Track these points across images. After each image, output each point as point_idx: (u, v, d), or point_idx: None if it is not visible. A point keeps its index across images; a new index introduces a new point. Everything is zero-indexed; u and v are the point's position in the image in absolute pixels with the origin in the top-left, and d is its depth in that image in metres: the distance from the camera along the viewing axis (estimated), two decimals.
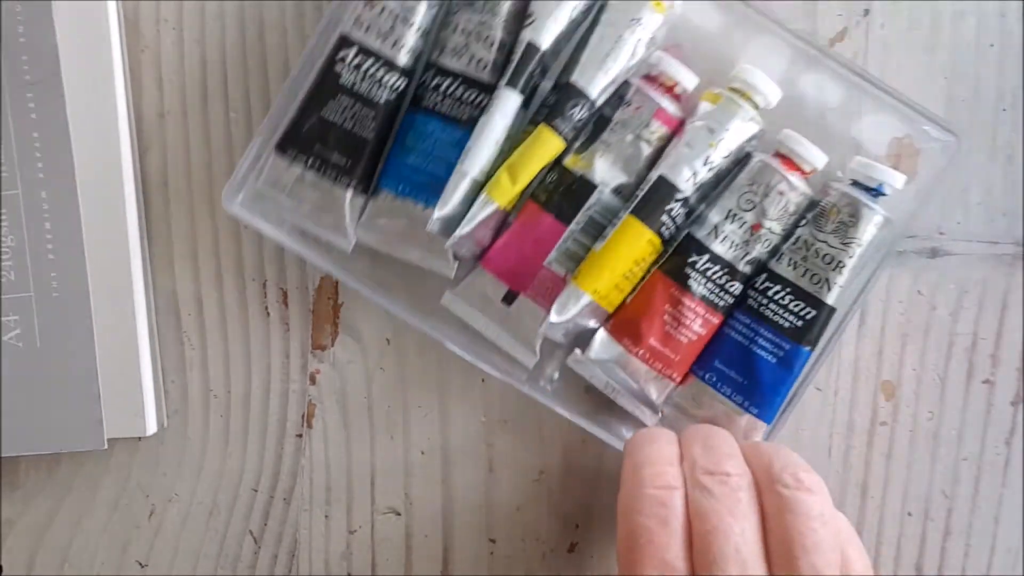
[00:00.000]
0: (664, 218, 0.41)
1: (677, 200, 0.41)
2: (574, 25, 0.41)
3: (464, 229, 0.41)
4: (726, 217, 0.42)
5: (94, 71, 0.44)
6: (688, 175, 0.41)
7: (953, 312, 0.46)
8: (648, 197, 0.41)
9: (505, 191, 0.41)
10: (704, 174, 0.41)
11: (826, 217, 0.42)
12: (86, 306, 0.44)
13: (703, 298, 0.42)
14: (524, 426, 0.47)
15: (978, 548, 0.47)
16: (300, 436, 0.47)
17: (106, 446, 0.45)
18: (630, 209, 0.42)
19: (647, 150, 0.42)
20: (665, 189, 0.41)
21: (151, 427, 0.46)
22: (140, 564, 0.48)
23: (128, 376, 0.45)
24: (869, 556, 0.47)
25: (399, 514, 0.47)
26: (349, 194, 0.42)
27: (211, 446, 0.47)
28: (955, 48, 0.46)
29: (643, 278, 0.43)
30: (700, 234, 0.42)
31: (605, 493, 0.47)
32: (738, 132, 0.41)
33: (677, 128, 0.43)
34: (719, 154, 0.41)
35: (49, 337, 0.44)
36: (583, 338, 0.44)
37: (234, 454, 0.47)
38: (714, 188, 0.42)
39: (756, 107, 0.42)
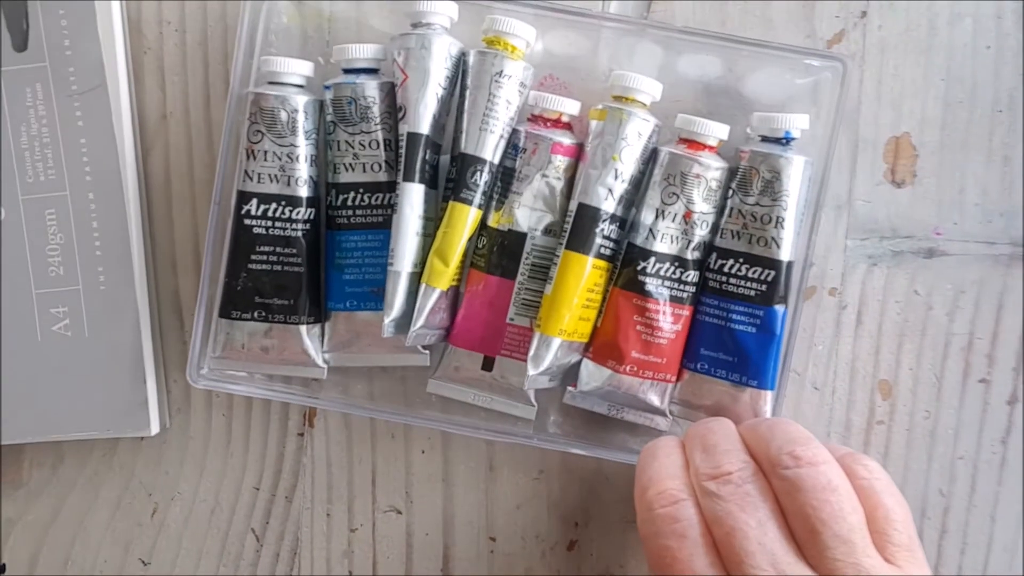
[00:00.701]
0: (598, 240, 0.42)
1: (604, 220, 0.42)
2: (445, 102, 0.43)
3: (417, 324, 0.42)
4: (656, 216, 0.43)
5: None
6: (604, 194, 0.42)
7: (950, 312, 0.47)
8: (576, 228, 0.42)
9: (441, 275, 0.42)
10: (620, 187, 0.42)
11: (749, 181, 0.42)
12: (132, 298, 0.45)
13: (665, 297, 0.43)
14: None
15: (974, 547, 0.47)
16: (302, 435, 0.47)
17: (151, 432, 0.46)
18: (564, 244, 0.42)
19: (559, 184, 0.43)
20: (588, 215, 0.42)
21: (154, 427, 0.46)
22: (143, 562, 0.48)
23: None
24: None
25: (400, 513, 0.47)
26: (304, 329, 0.44)
27: (213, 445, 0.47)
28: (952, 50, 0.46)
29: (604, 298, 0.44)
30: (639, 240, 0.43)
31: (605, 492, 0.47)
32: (635, 136, 0.42)
33: (578, 153, 0.43)
34: (626, 164, 0.42)
35: (97, 327, 0.45)
36: (571, 373, 0.45)
37: (236, 453, 0.47)
38: (636, 192, 0.43)
39: (644, 106, 0.43)
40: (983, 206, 0.46)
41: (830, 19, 0.46)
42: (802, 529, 0.36)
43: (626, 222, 0.43)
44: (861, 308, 0.47)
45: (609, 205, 0.42)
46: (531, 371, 0.42)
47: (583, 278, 0.42)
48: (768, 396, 0.43)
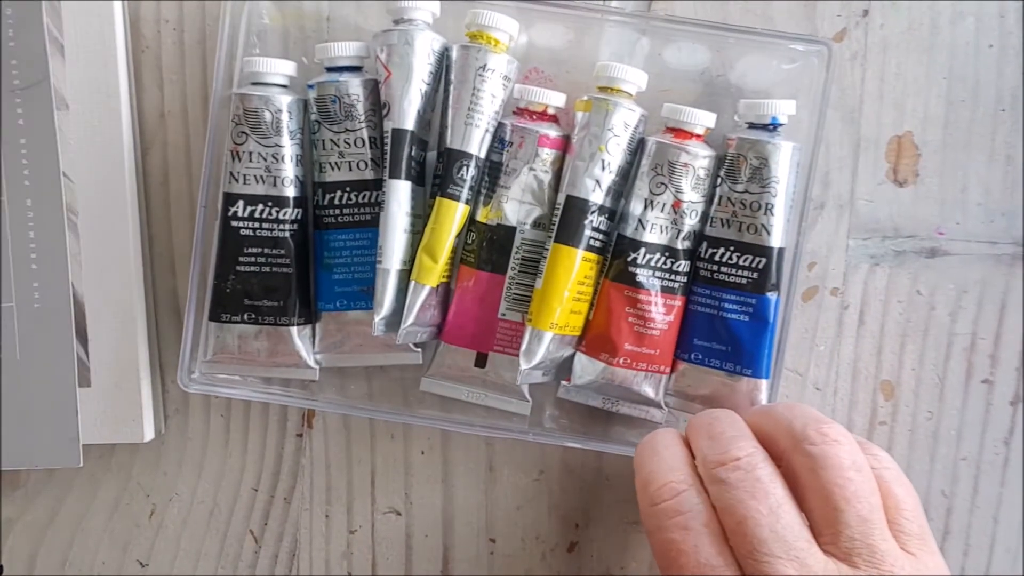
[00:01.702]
0: (587, 233, 0.42)
1: (592, 212, 0.42)
2: (429, 97, 0.42)
3: (407, 321, 0.42)
4: (645, 207, 0.42)
5: (99, 71, 0.44)
6: (592, 185, 0.42)
7: (952, 312, 0.46)
8: (564, 220, 0.42)
9: (430, 271, 0.42)
10: (608, 178, 0.42)
11: (737, 169, 0.42)
12: (67, 319, 0.44)
13: (657, 288, 0.43)
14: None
15: (977, 548, 0.47)
16: (300, 436, 0.47)
17: (81, 463, 0.44)
18: (553, 238, 0.42)
19: (547, 177, 0.43)
20: (577, 207, 0.42)
21: (148, 434, 0.46)
22: (141, 563, 0.48)
23: (126, 382, 0.45)
24: None
25: (399, 514, 0.47)
26: (295, 330, 0.44)
27: (212, 446, 0.47)
28: (954, 49, 0.46)
29: (596, 290, 0.44)
30: (628, 231, 0.43)
31: (605, 493, 0.47)
32: (621, 127, 0.42)
33: (565, 145, 0.43)
34: (613, 154, 0.42)
35: (29, 349, 0.44)
36: (565, 367, 0.44)
37: (234, 453, 0.47)
38: (624, 183, 0.43)
39: (630, 96, 0.42)
40: (985, 206, 0.46)
41: (832, 18, 0.46)
42: (823, 507, 0.35)
43: (615, 213, 0.43)
44: (863, 308, 0.46)
45: (597, 197, 0.42)
46: (523, 366, 0.42)
47: (573, 271, 0.42)
48: (763, 385, 0.43)
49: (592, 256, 0.43)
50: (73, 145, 0.44)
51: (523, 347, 0.42)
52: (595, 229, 0.42)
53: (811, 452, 0.36)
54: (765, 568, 0.34)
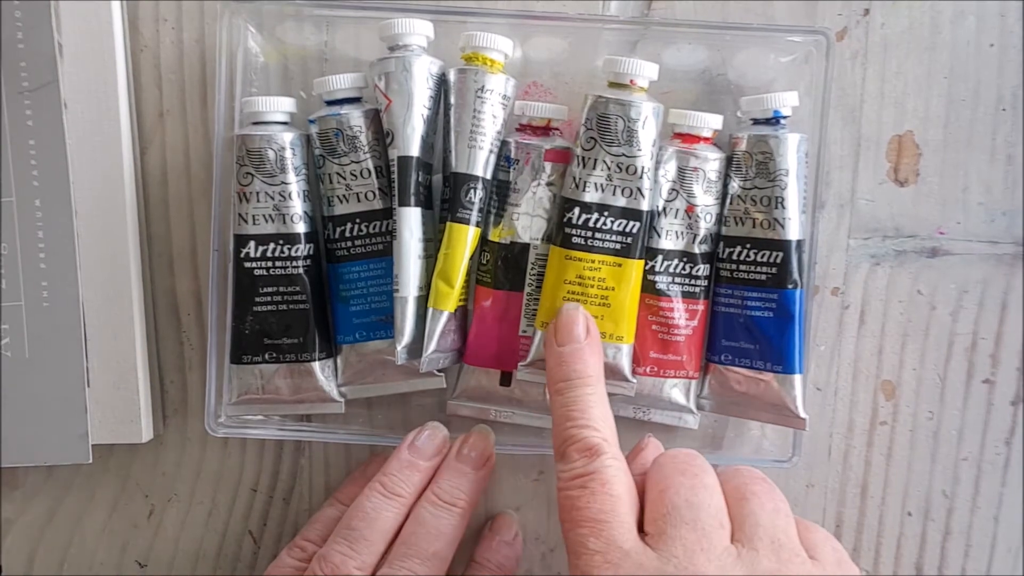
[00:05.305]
0: (571, 231, 0.41)
1: (572, 209, 0.41)
2: (431, 122, 0.42)
3: (429, 348, 0.42)
4: (658, 213, 0.42)
5: (98, 70, 0.44)
6: (569, 183, 0.41)
7: (953, 312, 0.46)
8: (557, 222, 0.42)
9: (446, 297, 0.42)
10: (592, 174, 0.41)
11: (744, 166, 0.42)
12: (76, 317, 0.44)
13: (677, 294, 0.43)
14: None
15: (978, 548, 0.47)
16: None
17: (90, 460, 0.44)
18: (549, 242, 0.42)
19: (556, 190, 0.43)
20: (564, 207, 0.42)
21: (147, 434, 0.45)
22: (139, 564, 0.48)
23: (125, 382, 0.45)
24: (867, 555, 0.47)
25: None
26: (316, 365, 0.43)
27: (210, 446, 0.47)
28: (955, 48, 0.46)
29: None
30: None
31: None
32: (595, 120, 0.41)
33: (571, 157, 0.42)
34: (588, 149, 0.41)
35: (38, 348, 0.44)
36: None
37: (233, 454, 0.47)
38: (631, 179, 0.41)
39: (642, 90, 0.41)
40: (986, 205, 0.46)
41: (833, 17, 0.46)
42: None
43: (632, 212, 0.41)
44: (864, 308, 0.46)
45: (574, 193, 0.41)
46: (523, 373, 0.42)
47: (556, 270, 0.42)
48: (796, 380, 0.42)
49: (585, 256, 0.41)
50: (72, 144, 0.44)
51: (531, 355, 0.42)
52: (582, 227, 0.41)
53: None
54: None
